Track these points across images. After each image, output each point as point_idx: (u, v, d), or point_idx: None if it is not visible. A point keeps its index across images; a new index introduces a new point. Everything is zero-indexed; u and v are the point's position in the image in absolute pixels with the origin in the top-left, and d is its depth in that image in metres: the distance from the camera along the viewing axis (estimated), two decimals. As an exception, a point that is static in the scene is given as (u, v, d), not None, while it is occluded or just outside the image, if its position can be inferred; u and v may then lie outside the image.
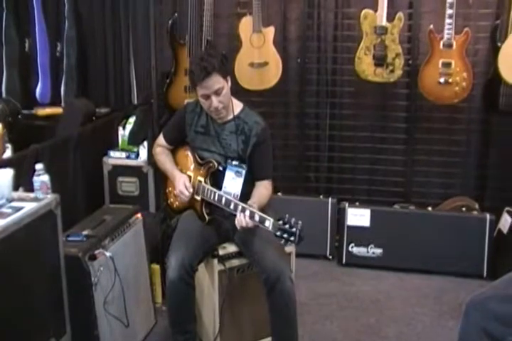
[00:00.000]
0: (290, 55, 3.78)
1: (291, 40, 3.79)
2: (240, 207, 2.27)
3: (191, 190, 2.48)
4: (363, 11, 3.36)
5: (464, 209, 3.53)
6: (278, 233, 2.12)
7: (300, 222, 2.12)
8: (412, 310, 3.05)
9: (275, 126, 3.80)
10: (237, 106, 2.54)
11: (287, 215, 2.14)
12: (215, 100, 2.39)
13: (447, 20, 3.22)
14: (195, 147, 2.58)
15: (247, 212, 2.23)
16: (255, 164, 2.50)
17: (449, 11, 3.21)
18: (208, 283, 2.57)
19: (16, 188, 2.06)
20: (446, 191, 3.73)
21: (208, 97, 2.39)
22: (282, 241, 2.13)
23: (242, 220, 2.25)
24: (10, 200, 1.95)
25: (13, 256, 1.80)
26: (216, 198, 2.39)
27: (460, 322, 2.00)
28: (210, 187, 2.44)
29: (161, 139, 2.70)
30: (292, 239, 2.10)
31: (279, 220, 2.13)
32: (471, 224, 3.39)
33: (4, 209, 1.88)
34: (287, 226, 2.11)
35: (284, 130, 3.90)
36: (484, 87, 3.43)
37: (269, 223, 2.15)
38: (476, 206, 3.55)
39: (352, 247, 3.52)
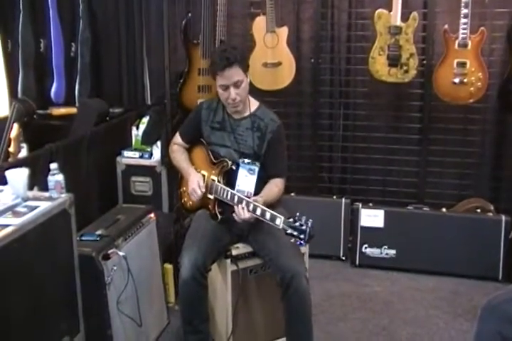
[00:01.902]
0: (303, 55, 3.77)
1: (305, 40, 3.78)
2: (251, 206, 2.27)
3: (204, 189, 2.49)
4: (377, 11, 3.34)
5: (478, 210, 3.49)
6: (288, 231, 2.13)
7: (310, 220, 2.12)
8: (426, 312, 3.03)
9: (289, 127, 3.79)
10: (254, 104, 2.57)
11: (298, 213, 2.15)
12: (233, 92, 2.41)
13: (462, 20, 3.19)
14: (210, 143, 2.59)
15: (259, 211, 2.23)
16: (269, 161, 2.52)
17: (464, 11, 3.18)
18: (221, 283, 2.57)
19: (31, 187, 2.07)
20: (460, 192, 3.70)
21: (226, 88, 2.42)
22: (293, 240, 2.13)
23: (240, 212, 2.27)
24: (25, 199, 1.96)
25: (28, 254, 1.81)
26: (229, 197, 2.40)
27: (475, 326, 1.98)
28: (223, 186, 2.44)
29: (177, 137, 2.71)
30: (302, 236, 2.11)
31: (289, 218, 2.13)
32: (486, 226, 3.36)
33: (19, 208, 1.89)
34: (297, 224, 2.11)
35: (297, 130, 3.89)
36: (500, 87, 3.39)
37: (279, 221, 2.16)
38: (491, 207, 3.51)
39: (365, 248, 3.50)
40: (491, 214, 3.43)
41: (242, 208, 2.29)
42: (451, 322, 2.93)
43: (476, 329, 1.98)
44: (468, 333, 2.73)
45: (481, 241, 3.35)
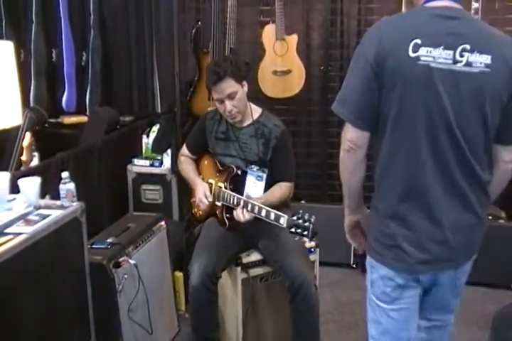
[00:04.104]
0: (313, 62, 3.78)
1: (314, 47, 3.79)
2: (256, 208, 2.27)
3: (210, 199, 2.50)
4: (386, 18, 3.34)
5: (490, 217, 3.46)
6: (292, 229, 2.11)
7: (313, 217, 2.11)
8: (438, 320, 3.00)
9: (298, 134, 3.80)
10: (256, 111, 2.56)
11: (301, 211, 2.13)
12: (228, 104, 2.42)
13: (472, 27, 3.19)
14: (216, 153, 2.60)
15: (263, 212, 2.23)
16: (275, 167, 2.52)
17: (474, 17, 3.17)
18: (231, 291, 2.56)
19: (42, 196, 2.09)
20: (471, 199, 3.67)
21: (222, 101, 2.44)
22: (297, 238, 2.11)
23: (239, 215, 2.29)
24: (37, 208, 1.98)
25: (40, 262, 1.82)
26: (235, 201, 2.40)
27: (488, 335, 1.97)
28: (229, 192, 2.45)
29: (184, 149, 2.73)
30: (306, 233, 2.09)
31: (293, 216, 2.13)
32: (497, 233, 3.33)
33: (32, 217, 1.91)
34: (301, 221, 2.10)
35: (307, 138, 3.89)
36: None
37: (283, 220, 2.15)
38: (503, 215, 3.49)
39: (376, 256, 3.48)
40: (502, 221, 3.40)
41: (241, 208, 2.30)
42: (465, 330, 2.89)
43: (488, 338, 1.97)
44: (481, 341, 2.71)
45: (493, 248, 3.30)
